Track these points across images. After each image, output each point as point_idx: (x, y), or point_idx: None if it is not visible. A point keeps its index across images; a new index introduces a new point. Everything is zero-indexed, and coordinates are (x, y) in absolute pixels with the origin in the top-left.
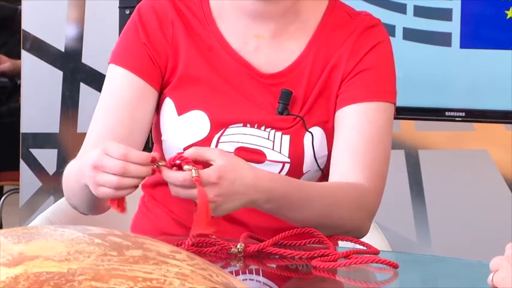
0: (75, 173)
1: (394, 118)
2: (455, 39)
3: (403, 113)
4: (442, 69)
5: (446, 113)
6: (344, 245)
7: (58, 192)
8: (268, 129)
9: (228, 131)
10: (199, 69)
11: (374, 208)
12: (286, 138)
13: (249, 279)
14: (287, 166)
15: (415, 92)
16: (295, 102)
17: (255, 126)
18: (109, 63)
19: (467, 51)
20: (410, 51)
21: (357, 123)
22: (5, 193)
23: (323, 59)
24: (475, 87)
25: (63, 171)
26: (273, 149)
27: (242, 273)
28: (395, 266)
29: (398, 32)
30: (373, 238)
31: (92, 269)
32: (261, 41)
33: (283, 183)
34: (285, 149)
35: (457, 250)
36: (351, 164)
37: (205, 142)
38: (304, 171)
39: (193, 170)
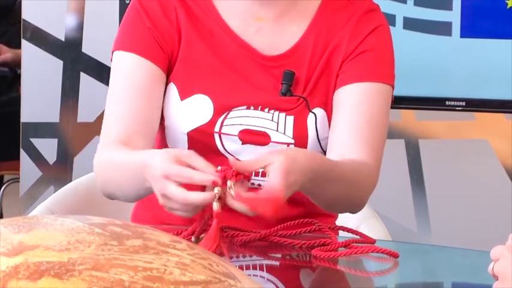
0: (130, 169)
1: (395, 107)
2: (456, 28)
3: (403, 102)
4: (442, 58)
5: (447, 103)
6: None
7: (58, 182)
8: (272, 111)
9: (232, 114)
10: (201, 54)
11: (375, 186)
12: (290, 119)
13: (253, 275)
14: (291, 147)
15: (415, 82)
16: (298, 83)
17: (259, 109)
18: (114, 51)
19: (467, 41)
20: (411, 40)
21: (358, 102)
22: (5, 182)
23: (324, 41)
24: (475, 76)
25: (63, 160)
26: (277, 131)
27: (246, 269)
28: (395, 256)
29: (399, 22)
30: (374, 227)
31: (92, 258)
32: (262, 24)
33: (323, 164)
34: (289, 130)
35: (457, 239)
36: (353, 141)
37: (209, 126)
38: None
39: (214, 204)
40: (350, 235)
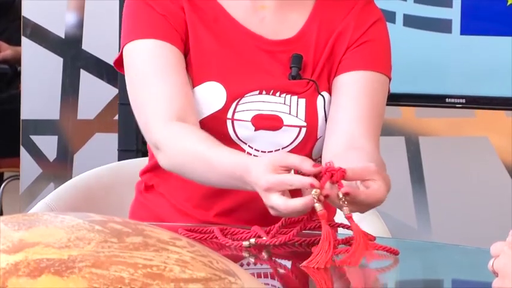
0: (222, 169)
1: (394, 104)
2: (456, 25)
3: (403, 99)
4: (442, 55)
5: (447, 100)
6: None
7: (58, 179)
8: (283, 95)
9: (244, 99)
10: (208, 43)
11: None
12: (302, 102)
13: (264, 284)
14: (303, 130)
15: (415, 79)
16: (306, 67)
17: (270, 93)
18: (128, 42)
19: (467, 38)
20: (411, 38)
21: (364, 89)
22: (5, 180)
23: (327, 28)
24: (476, 73)
25: (63, 158)
26: (289, 114)
27: (257, 277)
28: (395, 253)
29: (399, 19)
30: (373, 225)
31: (93, 255)
32: (266, 12)
33: None
34: (301, 113)
35: (457, 237)
36: (358, 129)
37: (222, 112)
38: (318, 137)
39: (344, 209)
40: (350, 232)
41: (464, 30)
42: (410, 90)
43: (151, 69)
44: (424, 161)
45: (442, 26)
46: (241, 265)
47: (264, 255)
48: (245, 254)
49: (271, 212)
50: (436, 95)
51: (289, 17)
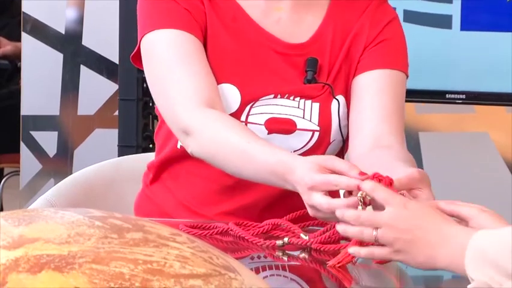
0: (262, 166)
1: None
2: (456, 21)
3: None
4: (442, 51)
5: (447, 96)
6: None
7: (58, 175)
8: (297, 99)
9: (258, 103)
10: (226, 43)
11: None
12: (316, 106)
13: (276, 275)
14: (316, 135)
15: (415, 75)
16: (321, 71)
17: (285, 97)
18: (148, 32)
19: (467, 34)
20: (411, 33)
21: (385, 87)
22: (5, 175)
23: (343, 29)
24: (476, 69)
25: (63, 153)
26: (303, 118)
27: (268, 269)
28: None
29: (399, 15)
30: None
31: (93, 251)
32: (281, 14)
33: None
34: (315, 117)
35: None
36: (385, 126)
37: (236, 115)
38: (330, 141)
39: (360, 209)
40: None
41: (465, 26)
42: (410, 85)
43: (175, 58)
44: (424, 156)
45: (442, 21)
46: (252, 258)
47: (305, 255)
48: (279, 253)
49: (310, 212)
50: (436, 91)
51: (304, 19)
